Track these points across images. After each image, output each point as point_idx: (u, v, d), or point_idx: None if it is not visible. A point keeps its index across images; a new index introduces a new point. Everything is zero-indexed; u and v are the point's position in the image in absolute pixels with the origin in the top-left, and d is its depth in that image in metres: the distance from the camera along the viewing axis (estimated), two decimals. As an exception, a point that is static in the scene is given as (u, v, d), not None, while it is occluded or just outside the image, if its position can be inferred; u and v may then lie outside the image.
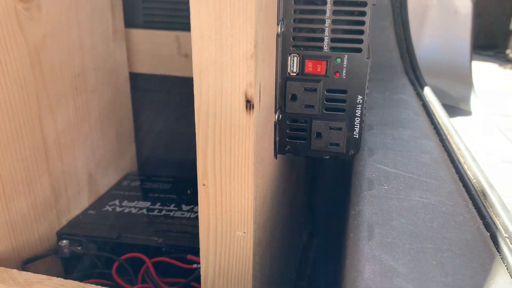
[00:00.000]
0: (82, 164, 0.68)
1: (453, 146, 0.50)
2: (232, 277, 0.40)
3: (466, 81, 0.84)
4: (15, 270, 0.49)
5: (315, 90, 0.43)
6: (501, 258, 0.32)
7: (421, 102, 0.62)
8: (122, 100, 0.79)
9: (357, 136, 0.44)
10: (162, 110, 0.92)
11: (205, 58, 0.34)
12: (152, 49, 0.83)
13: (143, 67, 0.85)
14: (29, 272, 0.49)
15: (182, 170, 0.87)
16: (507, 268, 0.31)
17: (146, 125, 0.91)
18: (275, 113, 0.44)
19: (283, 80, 0.43)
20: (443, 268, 0.29)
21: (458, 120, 0.74)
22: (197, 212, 0.67)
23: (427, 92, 0.68)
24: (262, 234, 0.42)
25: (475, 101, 0.82)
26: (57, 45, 0.60)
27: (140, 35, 0.83)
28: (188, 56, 0.82)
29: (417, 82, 0.72)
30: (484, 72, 3.35)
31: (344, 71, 0.42)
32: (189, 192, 0.74)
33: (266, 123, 0.40)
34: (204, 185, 0.38)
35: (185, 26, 0.85)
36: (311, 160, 0.82)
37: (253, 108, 0.34)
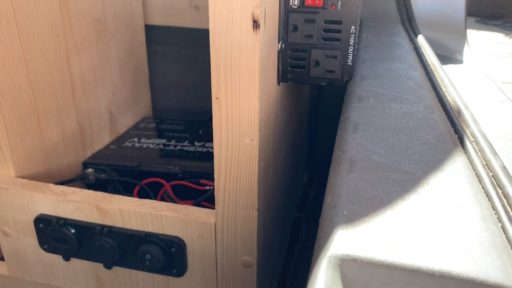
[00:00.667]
0: (103, 103, 0.75)
1: (437, 77, 0.56)
2: (241, 179, 0.47)
3: (460, 33, 0.89)
4: (51, 184, 0.56)
5: (314, 21, 0.49)
6: (464, 152, 0.39)
7: (413, 46, 0.68)
8: (138, 48, 0.85)
9: (350, 64, 0.51)
10: (175, 62, 0.98)
11: (218, -17, 0.40)
12: (165, 1, 0.89)
13: (157, 19, 0.91)
14: (63, 186, 0.56)
15: (193, 117, 0.94)
16: (467, 158, 0.38)
17: (160, 75, 0.98)
18: (278, 42, 0.50)
19: (286, 12, 0.49)
20: (412, 151, 0.35)
21: (449, 67, 0.79)
22: (208, 147, 0.74)
23: (420, 38, 0.73)
24: (266, 145, 0.48)
25: (468, 52, 0.87)
26: (81, -9, 0.66)
27: (153, -12, 0.88)
28: (198, 8, 0.87)
29: (412, 31, 0.77)
30: (491, 40, 3.36)
31: (339, 3, 0.48)
32: (200, 132, 0.81)
33: (271, 47, 0.46)
34: (217, 98, 0.45)
35: (196, -20, 0.90)
36: (314, 94, 0.89)
37: (259, 27, 0.41)
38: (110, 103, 0.77)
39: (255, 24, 0.41)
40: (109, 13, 0.73)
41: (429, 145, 0.36)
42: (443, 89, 0.53)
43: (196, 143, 0.76)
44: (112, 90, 0.77)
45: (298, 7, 0.49)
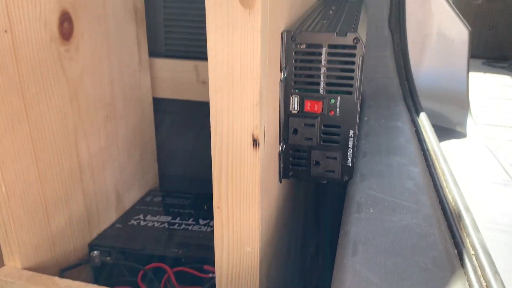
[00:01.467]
0: (110, 183, 0.76)
1: (438, 171, 0.57)
2: (242, 286, 0.47)
3: (463, 105, 0.90)
4: (56, 277, 0.57)
5: (313, 125, 0.50)
6: (464, 272, 0.39)
7: (414, 128, 0.69)
8: (146, 124, 0.88)
9: (350, 165, 0.52)
10: (182, 130, 1.00)
11: (219, 106, 0.42)
12: (173, 76, 0.92)
13: (165, 93, 0.94)
14: (69, 279, 0.57)
15: (200, 186, 0.95)
16: (467, 280, 0.38)
17: (167, 144, 0.99)
18: (280, 144, 0.51)
19: (286, 116, 0.51)
20: (410, 280, 0.36)
21: (452, 143, 0.80)
22: (213, 226, 0.75)
23: (422, 117, 0.74)
24: (268, 249, 0.49)
25: (471, 125, 0.88)
26: (91, 80, 0.68)
27: (162, 64, 0.91)
28: (205, 83, 0.90)
29: (414, 108, 0.79)
30: (500, 83, 3.37)
31: (337, 110, 0.50)
32: (205, 207, 0.81)
33: (271, 155, 0.48)
34: (218, 208, 0.46)
35: (203, 55, 0.93)
36: (315, 183, 0.89)
37: (258, 145, 0.42)
38: (117, 182, 0.78)
39: (255, 142, 0.42)
40: (118, 95, 0.76)
41: (426, 272, 0.37)
42: (444, 187, 0.53)
43: (201, 221, 0.77)
44: (120, 169, 0.79)
45: (298, 112, 0.50)
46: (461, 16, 0.91)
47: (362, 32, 0.49)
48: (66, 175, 0.65)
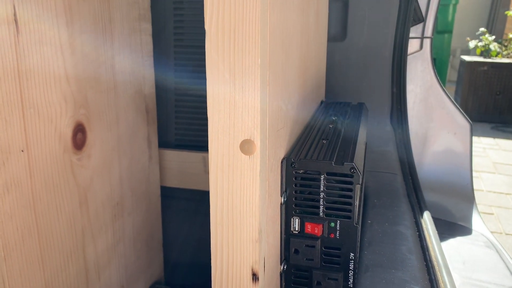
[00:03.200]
0: (116, 280, 0.77)
1: (441, 287, 0.57)
2: None
3: (467, 199, 0.91)
4: None
5: (314, 246, 0.51)
6: None
7: (417, 233, 0.69)
8: (153, 216, 0.89)
9: (351, 286, 0.52)
10: (188, 217, 1.01)
11: (219, 239, 0.43)
12: (182, 167, 0.94)
13: (173, 182, 0.96)
14: None
15: (204, 275, 0.95)
16: None
17: (173, 231, 1.00)
18: (281, 264, 0.52)
19: (287, 236, 0.52)
20: None
21: (456, 241, 0.80)
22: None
23: (426, 218, 0.75)
24: None
25: (477, 220, 0.88)
26: (101, 183, 0.71)
27: (172, 155, 0.94)
28: (212, 175, 0.92)
29: (418, 206, 0.79)
30: (509, 148, 3.37)
31: (337, 232, 0.51)
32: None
33: (272, 280, 0.48)
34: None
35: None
36: None
37: (258, 280, 0.43)
38: (122, 279, 0.79)
39: (254, 277, 0.43)
40: (127, 194, 0.78)
41: None
42: (446, 308, 0.53)
43: (205, 321, 0.76)
44: (125, 265, 0.79)
45: (299, 232, 0.52)
46: (461, 110, 0.93)
47: (359, 158, 0.51)
48: (72, 279, 0.65)
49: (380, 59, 0.89)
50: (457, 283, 0.64)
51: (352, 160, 0.48)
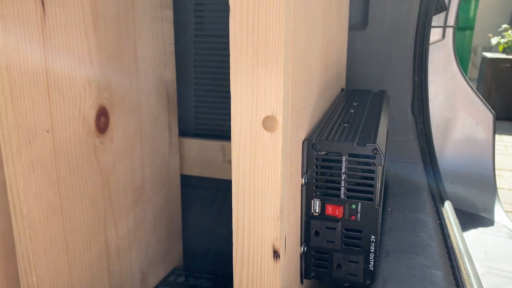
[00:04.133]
0: (136, 264, 0.78)
1: (463, 273, 0.56)
2: None
3: (489, 190, 0.89)
4: None
5: (334, 228, 0.51)
6: None
7: (438, 221, 0.68)
8: (173, 203, 0.90)
9: (372, 269, 0.52)
10: (208, 206, 1.02)
11: (241, 216, 0.43)
12: (201, 155, 0.95)
13: (193, 170, 0.97)
14: None
15: (222, 264, 0.95)
16: None
17: (192, 220, 1.01)
18: (301, 246, 0.52)
19: (308, 218, 0.52)
20: None
21: (478, 232, 0.79)
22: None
23: (447, 207, 0.74)
24: None
25: (499, 212, 0.87)
26: (123, 167, 0.72)
27: (191, 143, 0.95)
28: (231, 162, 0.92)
29: (439, 196, 0.78)
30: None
31: (358, 214, 0.50)
32: (228, 291, 0.81)
33: (292, 259, 0.48)
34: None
35: (230, 136, 0.97)
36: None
37: (279, 257, 0.43)
38: (142, 263, 0.80)
39: (275, 254, 0.43)
40: (147, 179, 0.79)
41: None
42: (468, 293, 0.52)
43: (223, 306, 0.76)
44: (145, 249, 0.80)
45: (319, 214, 0.52)
46: (484, 101, 0.92)
47: (381, 140, 0.51)
48: (93, 260, 0.67)
49: (401, 48, 0.88)
50: (479, 272, 0.63)
51: (374, 142, 0.48)
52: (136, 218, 0.77)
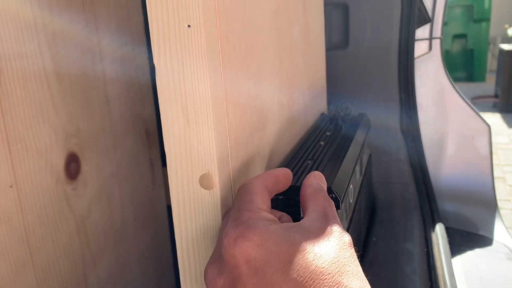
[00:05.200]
0: (123, 305, 0.77)
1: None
2: None
3: (489, 206, 0.85)
4: None
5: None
6: None
7: (425, 249, 0.65)
8: (161, 238, 0.89)
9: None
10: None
11: (188, 272, 0.42)
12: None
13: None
14: None
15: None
16: None
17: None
18: None
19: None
20: None
21: (475, 253, 0.75)
22: None
23: (438, 232, 0.71)
24: None
25: (500, 228, 0.82)
26: (100, 210, 0.71)
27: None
28: (219, 192, 0.91)
29: (431, 218, 0.75)
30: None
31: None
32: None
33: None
34: None
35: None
36: None
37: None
38: (130, 303, 0.79)
39: None
40: (129, 218, 0.78)
41: None
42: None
43: None
44: (132, 289, 0.79)
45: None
46: (478, 112, 0.88)
47: (342, 182, 0.49)
48: (73, 308, 0.66)
49: (385, 65, 0.85)
50: (471, 302, 0.60)
51: (330, 185, 0.46)
52: (119, 259, 0.76)
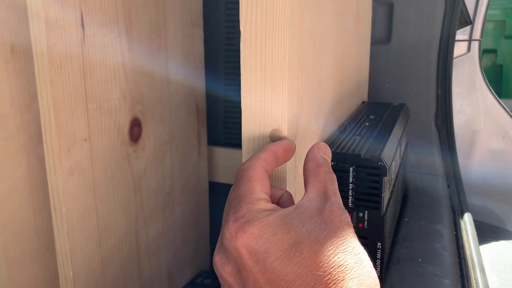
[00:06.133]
0: (165, 266, 0.83)
1: (472, 283, 0.57)
2: None
3: (514, 203, 0.89)
4: None
5: (343, 235, 0.54)
6: None
7: (454, 232, 0.69)
8: (201, 208, 0.95)
9: (378, 274, 0.54)
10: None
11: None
12: (229, 163, 1.00)
13: (221, 178, 1.01)
14: None
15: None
16: None
17: (220, 224, 1.06)
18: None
19: (318, 225, 0.55)
20: None
21: (499, 245, 0.79)
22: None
23: (466, 219, 0.75)
24: None
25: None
26: (154, 174, 0.77)
27: (220, 152, 1.00)
28: (257, 172, 0.97)
29: (459, 208, 0.79)
30: None
31: (365, 222, 0.53)
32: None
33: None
34: None
35: (257, 145, 1.01)
36: None
37: None
38: (171, 264, 0.85)
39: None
40: (177, 185, 0.84)
41: None
42: (474, 302, 0.54)
43: (245, 308, 0.80)
44: (174, 252, 0.86)
45: (329, 221, 0.55)
46: (510, 112, 0.91)
47: (388, 153, 0.54)
48: (125, 260, 0.72)
49: (425, 61, 0.90)
50: (495, 284, 0.64)
51: (380, 154, 0.51)
52: (165, 221, 0.82)
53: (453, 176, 0.87)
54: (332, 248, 0.32)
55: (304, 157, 0.50)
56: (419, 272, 0.57)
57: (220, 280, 0.38)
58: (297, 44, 0.44)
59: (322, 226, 0.33)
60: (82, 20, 0.60)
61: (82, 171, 0.63)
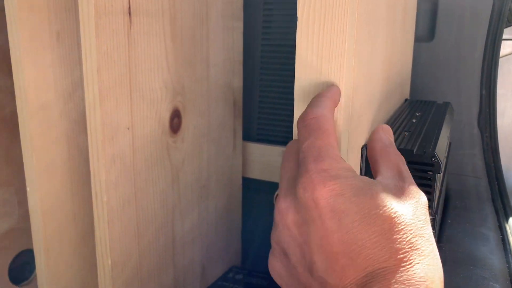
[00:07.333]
0: (198, 258, 0.83)
1: (523, 289, 0.55)
2: None
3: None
4: None
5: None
6: None
7: (500, 236, 0.67)
8: (234, 203, 0.95)
9: (426, 275, 0.52)
10: (267, 210, 1.05)
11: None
12: (263, 159, 0.99)
13: (254, 173, 1.01)
14: None
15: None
16: None
17: (251, 223, 1.05)
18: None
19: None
20: None
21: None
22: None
23: (511, 223, 0.72)
24: None
25: None
26: (191, 165, 0.77)
27: (254, 148, 0.99)
28: (292, 168, 0.95)
29: (503, 211, 0.76)
30: None
31: (414, 221, 0.51)
32: (283, 291, 0.84)
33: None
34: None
35: (291, 141, 1.00)
36: None
37: None
38: (204, 257, 0.85)
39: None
40: (212, 178, 0.84)
41: None
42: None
43: (278, 305, 0.79)
44: (207, 245, 0.85)
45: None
46: (559, 117, 0.88)
47: (441, 150, 0.52)
48: (160, 250, 0.72)
49: (469, 61, 0.87)
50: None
51: (433, 150, 0.49)
52: (200, 214, 0.82)
53: (496, 179, 0.84)
54: (412, 230, 0.31)
55: (355, 151, 0.49)
56: (468, 275, 0.55)
57: (279, 227, 0.37)
58: (356, 32, 0.43)
59: (404, 204, 0.32)
60: (129, 8, 0.59)
61: (124, 160, 0.62)
